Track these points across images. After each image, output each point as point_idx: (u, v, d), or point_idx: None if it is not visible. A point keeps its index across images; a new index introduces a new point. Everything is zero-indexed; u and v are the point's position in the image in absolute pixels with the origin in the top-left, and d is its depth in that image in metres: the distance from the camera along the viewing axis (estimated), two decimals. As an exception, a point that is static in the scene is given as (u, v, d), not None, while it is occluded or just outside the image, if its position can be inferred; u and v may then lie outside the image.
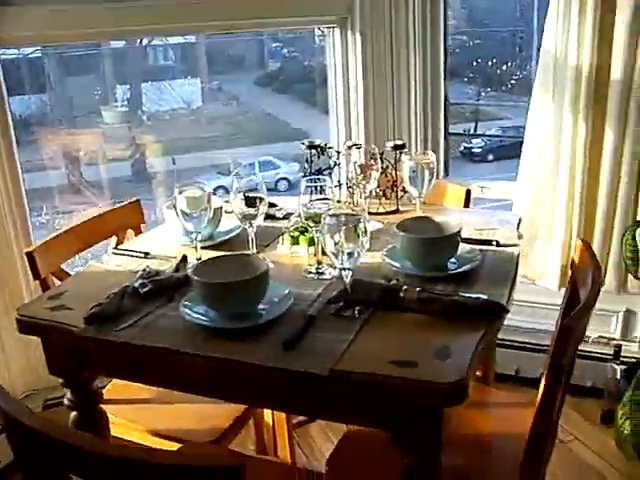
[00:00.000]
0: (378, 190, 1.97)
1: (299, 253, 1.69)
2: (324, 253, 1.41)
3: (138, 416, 1.83)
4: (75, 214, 3.65)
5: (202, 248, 1.71)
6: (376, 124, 2.90)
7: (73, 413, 1.59)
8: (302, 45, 4.30)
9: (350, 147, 1.91)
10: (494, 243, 1.69)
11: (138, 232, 2.05)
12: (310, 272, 1.58)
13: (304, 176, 2.06)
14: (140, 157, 4.11)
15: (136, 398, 1.89)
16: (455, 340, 1.27)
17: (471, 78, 3.75)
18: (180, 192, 1.58)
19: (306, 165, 2.03)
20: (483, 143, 4.34)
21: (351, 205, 1.85)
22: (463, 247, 1.61)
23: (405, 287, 1.40)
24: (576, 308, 1.40)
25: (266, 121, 4.79)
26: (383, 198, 1.99)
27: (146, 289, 1.50)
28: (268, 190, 1.66)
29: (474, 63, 3.66)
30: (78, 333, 1.40)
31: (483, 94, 3.85)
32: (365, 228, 1.32)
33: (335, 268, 1.45)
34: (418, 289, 1.39)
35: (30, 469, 1.08)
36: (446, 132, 2.99)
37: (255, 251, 1.67)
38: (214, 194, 1.68)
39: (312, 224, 1.53)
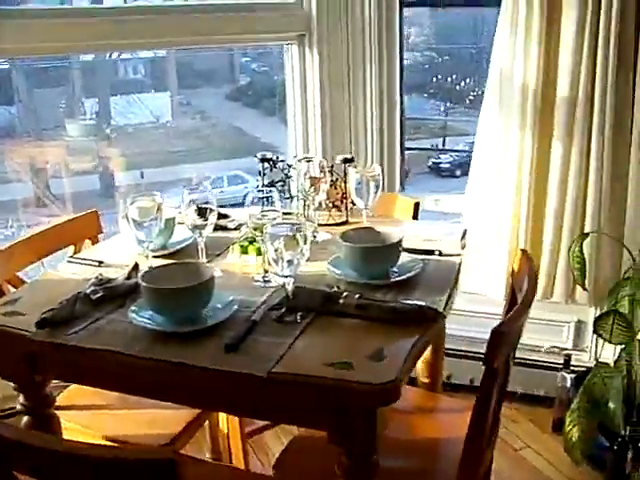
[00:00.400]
0: (328, 202, 2.03)
1: (248, 262, 1.74)
2: (271, 262, 1.47)
3: (93, 422, 1.86)
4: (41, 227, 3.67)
5: (154, 257, 1.76)
6: (333, 138, 2.98)
7: (25, 417, 1.63)
8: (271, 60, 4.36)
9: (301, 160, 1.98)
10: (437, 253, 1.76)
11: (95, 242, 2.09)
12: (257, 280, 1.64)
13: (257, 188, 2.13)
14: (107, 171, 4.14)
15: (91, 404, 1.92)
16: (390, 343, 1.33)
17: (436, 94, 3.84)
18: (132, 202, 1.63)
19: (259, 177, 2.09)
20: (451, 158, 4.43)
21: (301, 216, 1.91)
22: (405, 256, 1.68)
23: (345, 294, 1.46)
24: (508, 314, 1.47)
25: (235, 135, 4.84)
26: (333, 210, 2.05)
27: (98, 295, 1.55)
28: (237, 205, 1.72)
29: (441, 79, 3.74)
30: (30, 337, 1.44)
31: (451, 110, 3.94)
32: (305, 236, 1.39)
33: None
34: (357, 296, 1.45)
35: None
36: (402, 147, 3.07)
37: (205, 260, 1.72)
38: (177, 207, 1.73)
39: (259, 234, 1.58)
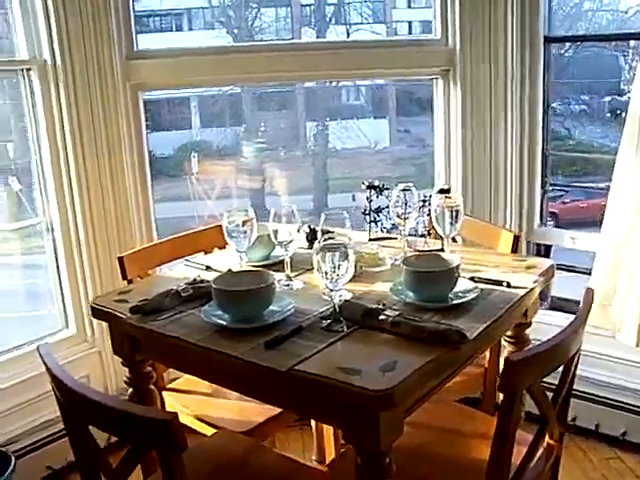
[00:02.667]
0: (424, 230, 2.15)
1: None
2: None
3: (191, 404, 2.16)
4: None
5: (252, 266, 2.01)
6: (474, 170, 3.06)
7: (130, 389, 1.94)
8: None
9: (403, 190, 2.13)
10: (504, 284, 1.82)
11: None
12: (325, 294, 1.81)
13: (363, 213, 2.32)
14: (322, 192, 4.50)
15: (193, 390, 2.22)
16: (405, 358, 1.45)
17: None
18: (228, 216, 1.89)
19: (367, 203, 2.27)
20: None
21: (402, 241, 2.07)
22: (467, 284, 1.76)
23: (386, 311, 1.59)
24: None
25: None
26: (429, 237, 2.16)
27: (187, 293, 1.82)
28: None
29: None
30: (123, 320, 1.75)
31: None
32: (347, 255, 1.54)
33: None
34: (396, 314, 1.58)
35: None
36: (543, 183, 3.06)
37: (290, 272, 1.93)
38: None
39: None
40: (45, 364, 1.47)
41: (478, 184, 3.08)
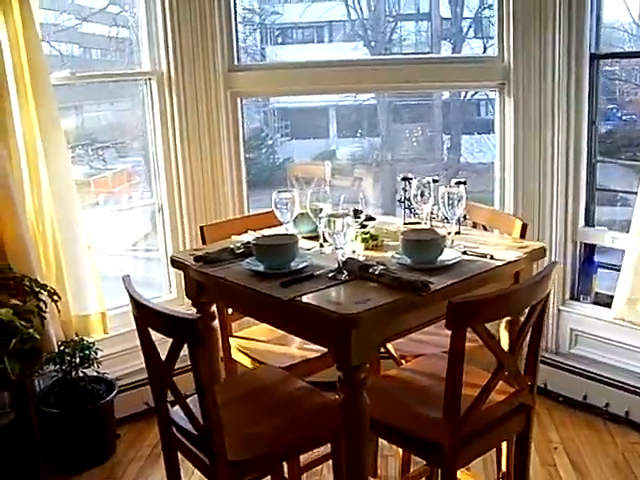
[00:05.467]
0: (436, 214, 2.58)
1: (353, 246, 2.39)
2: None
3: (251, 348, 2.70)
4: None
5: (303, 237, 2.49)
6: (524, 177, 3.44)
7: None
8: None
9: (429, 182, 2.57)
10: (488, 257, 2.23)
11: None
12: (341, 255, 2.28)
13: (399, 201, 2.78)
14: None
15: (255, 338, 2.77)
16: (377, 297, 1.92)
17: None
18: (278, 192, 2.43)
19: (402, 193, 2.73)
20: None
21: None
22: (453, 253, 2.20)
23: (375, 267, 2.06)
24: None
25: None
26: (445, 221, 2.58)
27: (239, 250, 2.36)
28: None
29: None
30: (190, 267, 2.32)
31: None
32: (348, 224, 2.03)
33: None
34: (382, 268, 2.04)
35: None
36: (589, 188, 3.36)
37: (322, 241, 2.41)
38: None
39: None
40: (126, 288, 2.06)
41: (527, 187, 3.44)
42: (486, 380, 1.96)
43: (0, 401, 2.96)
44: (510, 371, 2.02)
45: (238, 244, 2.41)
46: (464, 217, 2.60)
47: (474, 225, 2.88)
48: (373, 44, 4.51)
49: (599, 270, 3.47)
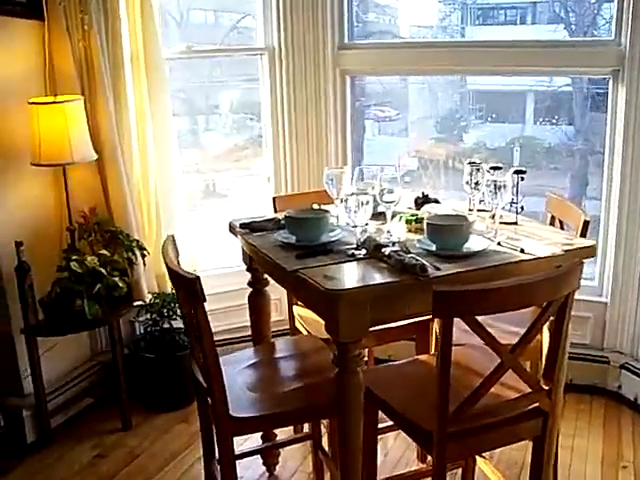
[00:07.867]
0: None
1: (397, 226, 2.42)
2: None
3: (310, 317, 2.77)
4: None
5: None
6: (632, 169, 3.19)
7: (250, 289, 2.68)
8: None
9: (491, 168, 2.50)
10: (518, 250, 2.14)
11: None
12: (385, 235, 2.30)
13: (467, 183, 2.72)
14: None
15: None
16: (374, 277, 1.95)
17: None
18: (329, 168, 2.50)
19: (469, 178, 2.67)
20: None
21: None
22: (482, 242, 2.15)
23: (388, 247, 2.07)
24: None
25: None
26: (503, 211, 2.50)
27: (280, 222, 2.47)
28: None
29: None
30: (236, 232, 2.48)
31: None
32: (367, 202, 2.07)
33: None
34: (393, 249, 2.05)
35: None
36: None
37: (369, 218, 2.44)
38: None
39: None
40: (163, 247, 2.25)
41: (632, 180, 3.19)
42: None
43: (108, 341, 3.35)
44: (513, 370, 1.95)
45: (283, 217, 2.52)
46: (521, 208, 2.50)
47: (552, 219, 2.76)
48: (573, 27, 4.36)
49: None
